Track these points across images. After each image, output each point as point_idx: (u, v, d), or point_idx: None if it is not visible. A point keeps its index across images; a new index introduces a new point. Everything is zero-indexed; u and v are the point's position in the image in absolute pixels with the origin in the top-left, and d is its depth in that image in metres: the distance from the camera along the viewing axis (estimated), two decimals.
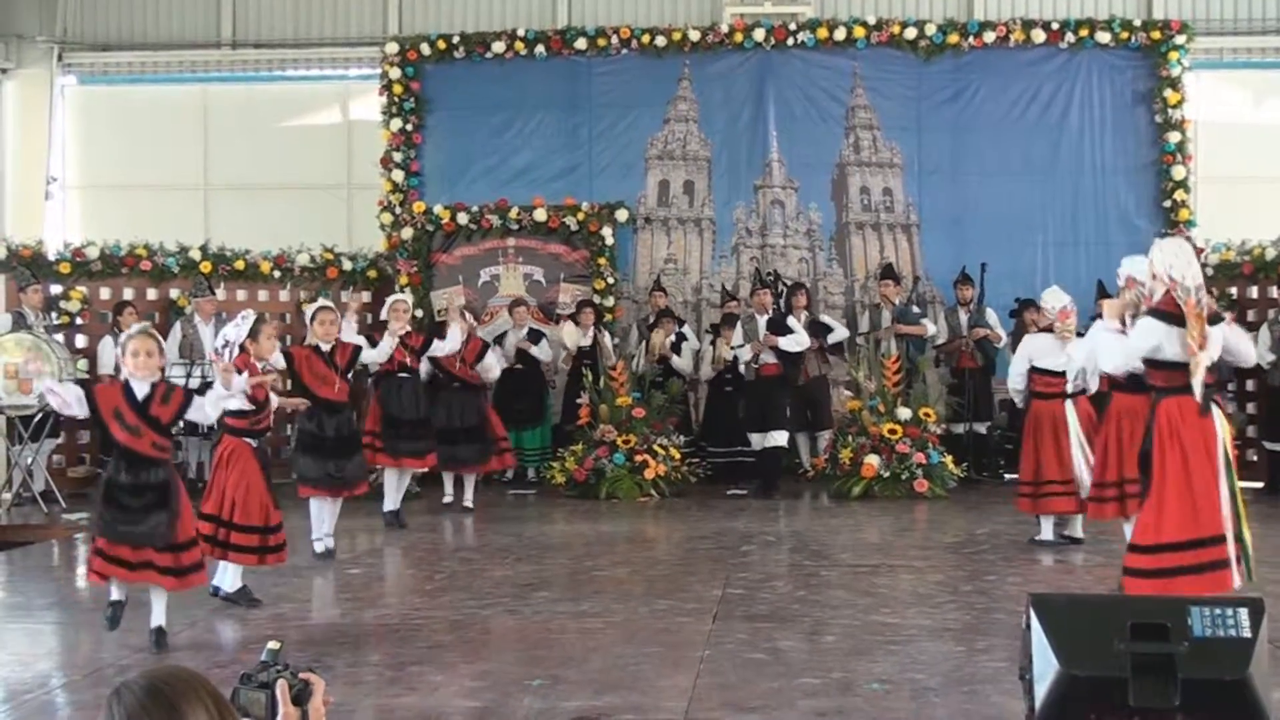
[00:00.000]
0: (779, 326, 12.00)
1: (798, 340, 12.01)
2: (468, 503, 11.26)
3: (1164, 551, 6.08)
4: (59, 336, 12.35)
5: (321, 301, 9.72)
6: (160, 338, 6.67)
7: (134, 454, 6.36)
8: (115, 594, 6.48)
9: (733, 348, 12.36)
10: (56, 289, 12.95)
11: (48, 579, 8.51)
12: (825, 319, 13.09)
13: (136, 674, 2.36)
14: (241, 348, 7.38)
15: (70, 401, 6.35)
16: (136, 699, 2.28)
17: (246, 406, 7.35)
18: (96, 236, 13.40)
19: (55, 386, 6.63)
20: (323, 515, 8.98)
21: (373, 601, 7.76)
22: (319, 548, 8.90)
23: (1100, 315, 6.90)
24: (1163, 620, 3.73)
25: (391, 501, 10.37)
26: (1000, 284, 12.85)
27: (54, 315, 12.64)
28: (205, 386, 9.08)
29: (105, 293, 13.17)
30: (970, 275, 12.95)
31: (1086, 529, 9.06)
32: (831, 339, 12.89)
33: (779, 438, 12.13)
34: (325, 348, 9.00)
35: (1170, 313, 6.13)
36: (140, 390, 6.37)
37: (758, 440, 12.19)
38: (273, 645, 2.68)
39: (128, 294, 13.06)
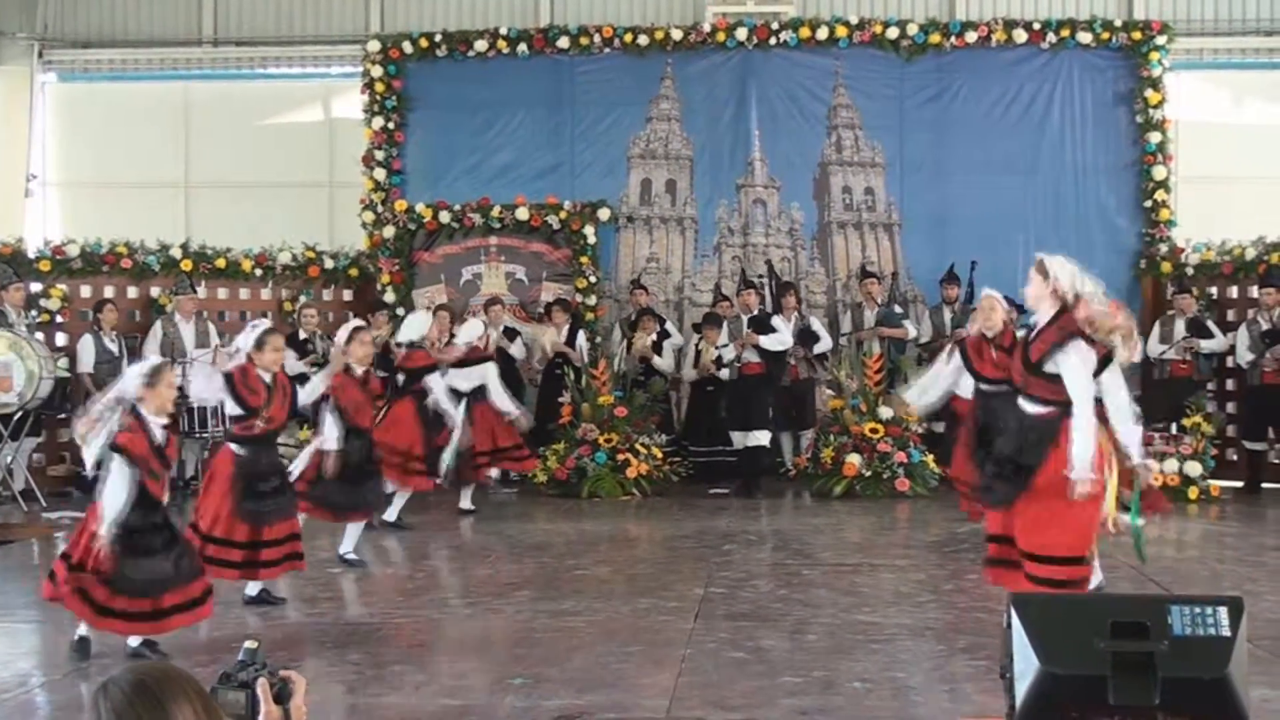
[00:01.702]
0: (762, 325, 12.01)
1: (780, 339, 12.01)
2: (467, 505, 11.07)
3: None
4: (39, 335, 12.30)
5: (356, 321, 9.37)
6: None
7: (151, 499, 6.17)
8: (84, 629, 6.30)
9: (717, 347, 12.36)
10: (36, 287, 12.87)
11: (28, 578, 8.45)
12: (815, 327, 12.99)
13: (122, 670, 2.35)
14: (247, 356, 7.31)
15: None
16: (123, 694, 2.27)
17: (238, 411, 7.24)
18: (77, 234, 13.34)
19: None
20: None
21: (354, 601, 7.75)
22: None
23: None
24: (1143, 619, 3.74)
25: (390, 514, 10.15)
26: (981, 283, 12.84)
27: (34, 313, 12.59)
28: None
29: (86, 291, 13.10)
30: (958, 274, 12.97)
31: None
32: (817, 349, 12.86)
33: (761, 437, 12.15)
34: (359, 371, 8.56)
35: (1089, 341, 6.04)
36: (158, 434, 6.19)
37: (740, 439, 12.20)
38: (250, 644, 2.67)
39: (108, 292, 13.01)
